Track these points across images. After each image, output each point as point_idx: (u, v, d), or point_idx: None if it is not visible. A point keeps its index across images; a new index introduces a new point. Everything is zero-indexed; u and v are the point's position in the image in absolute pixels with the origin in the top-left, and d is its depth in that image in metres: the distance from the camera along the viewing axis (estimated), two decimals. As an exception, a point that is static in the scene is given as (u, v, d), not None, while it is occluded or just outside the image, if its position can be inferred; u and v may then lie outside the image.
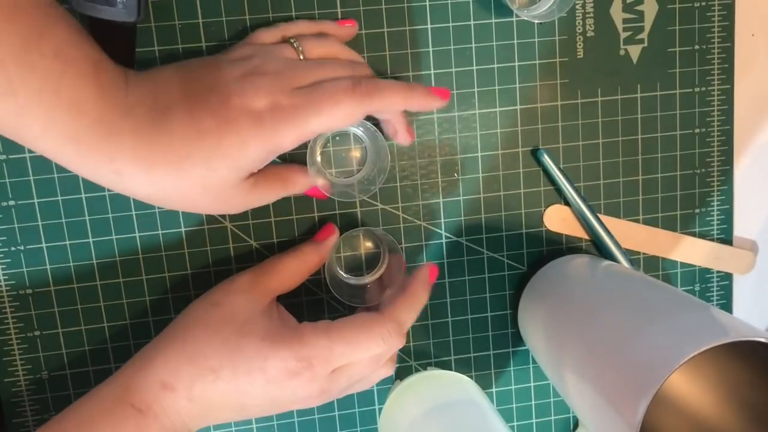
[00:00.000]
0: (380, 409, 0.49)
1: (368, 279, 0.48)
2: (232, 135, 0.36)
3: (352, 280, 0.48)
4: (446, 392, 0.46)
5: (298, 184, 0.43)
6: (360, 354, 0.39)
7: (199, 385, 0.38)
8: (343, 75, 0.39)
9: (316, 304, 0.48)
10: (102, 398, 0.38)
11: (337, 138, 0.46)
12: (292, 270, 0.44)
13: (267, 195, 0.41)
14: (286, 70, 0.38)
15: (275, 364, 0.38)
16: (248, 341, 0.38)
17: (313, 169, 0.42)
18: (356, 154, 0.46)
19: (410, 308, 0.42)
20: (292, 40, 0.41)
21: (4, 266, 0.44)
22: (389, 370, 0.43)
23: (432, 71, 0.46)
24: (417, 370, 0.50)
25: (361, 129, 0.45)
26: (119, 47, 0.41)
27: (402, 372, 0.50)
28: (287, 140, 0.37)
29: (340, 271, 0.48)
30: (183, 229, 0.46)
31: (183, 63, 0.39)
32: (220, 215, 0.46)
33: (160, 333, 0.41)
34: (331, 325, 0.40)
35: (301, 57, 0.40)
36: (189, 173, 0.36)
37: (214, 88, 0.37)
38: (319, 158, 0.46)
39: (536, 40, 0.46)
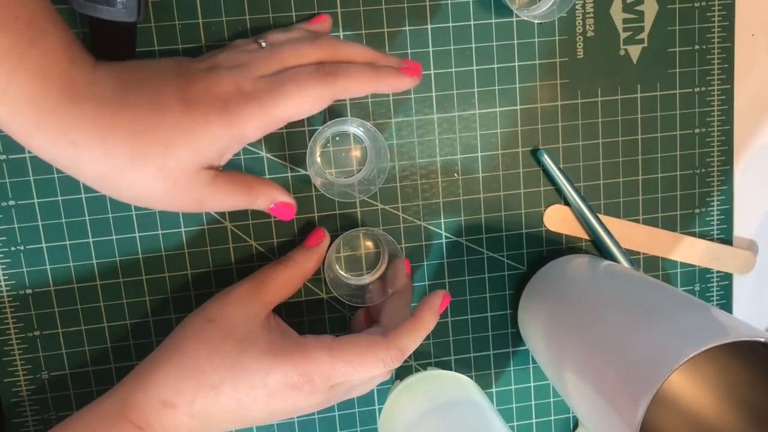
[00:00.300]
0: (380, 409, 0.49)
1: (368, 279, 0.48)
2: (195, 114, 0.36)
3: (352, 280, 0.48)
4: (446, 392, 0.46)
5: (261, 195, 0.41)
6: (360, 375, 0.39)
7: (200, 401, 0.38)
8: (306, 58, 0.38)
9: (316, 304, 0.48)
10: (102, 412, 0.38)
11: (337, 138, 0.46)
12: (288, 279, 0.43)
13: (227, 197, 0.39)
14: (250, 60, 0.38)
15: (277, 378, 0.38)
16: (250, 355, 0.38)
17: (312, 170, 0.42)
18: (356, 154, 0.46)
19: (415, 335, 0.41)
20: (260, 39, 0.40)
21: (4, 266, 0.44)
22: (388, 375, 0.43)
23: (432, 71, 0.46)
24: (417, 370, 0.50)
25: (361, 129, 0.45)
26: (119, 47, 0.41)
27: (402, 372, 0.50)
28: (251, 126, 0.37)
29: (340, 271, 0.48)
30: (183, 230, 0.46)
31: (155, 58, 0.40)
32: (219, 214, 0.46)
33: (159, 346, 0.41)
34: (334, 342, 0.40)
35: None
36: (146, 150, 0.35)
37: (181, 74, 0.37)
38: (319, 158, 0.46)
39: (536, 40, 0.46)
